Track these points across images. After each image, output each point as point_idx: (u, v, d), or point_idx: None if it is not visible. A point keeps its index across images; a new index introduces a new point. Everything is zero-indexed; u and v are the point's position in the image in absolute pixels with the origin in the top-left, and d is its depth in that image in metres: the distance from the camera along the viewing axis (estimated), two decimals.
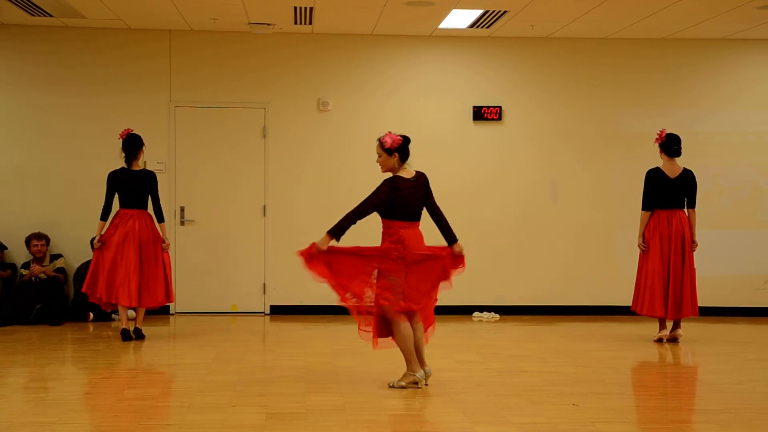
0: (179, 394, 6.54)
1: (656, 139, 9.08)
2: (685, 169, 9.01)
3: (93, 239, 10.33)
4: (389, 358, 8.04)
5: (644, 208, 9.06)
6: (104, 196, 9.02)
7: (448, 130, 11.17)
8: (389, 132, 6.85)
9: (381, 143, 6.81)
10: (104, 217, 8.99)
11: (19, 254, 10.61)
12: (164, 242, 9.08)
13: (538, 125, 11.25)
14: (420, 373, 6.74)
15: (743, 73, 11.41)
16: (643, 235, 9.01)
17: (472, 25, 10.51)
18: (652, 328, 9.41)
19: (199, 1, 9.43)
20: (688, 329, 9.42)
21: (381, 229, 6.83)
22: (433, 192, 12.28)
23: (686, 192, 9.00)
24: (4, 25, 10.63)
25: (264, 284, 11.04)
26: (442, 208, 11.56)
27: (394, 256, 6.68)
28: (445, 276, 6.85)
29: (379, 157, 6.86)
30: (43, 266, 10.36)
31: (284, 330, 10.03)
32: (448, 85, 11.19)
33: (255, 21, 10.32)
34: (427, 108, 11.16)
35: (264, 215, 11.01)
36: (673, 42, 11.22)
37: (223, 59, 10.96)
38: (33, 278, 10.26)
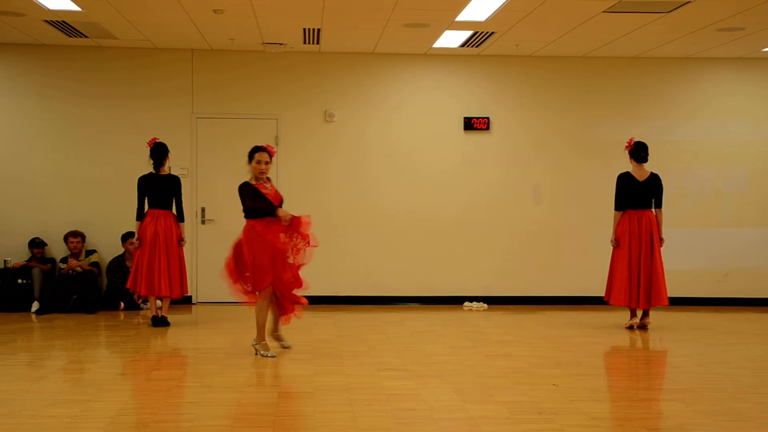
0: (200, 375, 6.54)
1: (626, 146, 9.08)
2: (652, 173, 9.01)
3: (124, 235, 10.41)
4: (390, 343, 8.06)
5: (616, 208, 9.06)
6: (136, 199, 9.05)
7: (441, 138, 11.17)
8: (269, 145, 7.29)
9: (271, 153, 7.19)
10: (139, 217, 8.99)
11: (57, 250, 10.64)
12: (182, 240, 9.10)
13: (523, 134, 11.24)
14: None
15: (705, 88, 11.40)
16: (616, 232, 9.02)
17: (463, 45, 10.51)
18: (623, 317, 9.42)
19: (218, 23, 9.44)
20: (656, 317, 9.43)
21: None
22: (428, 197, 12.36)
23: (653, 194, 9.00)
24: (45, 46, 10.64)
25: None
26: (435, 209, 11.59)
27: None
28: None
29: (269, 164, 7.21)
30: (79, 260, 10.37)
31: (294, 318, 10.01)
32: (442, 98, 11.19)
33: (268, 41, 10.32)
34: (423, 118, 11.16)
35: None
36: (643, 60, 11.22)
37: (240, 75, 10.96)
38: (70, 271, 10.27)
